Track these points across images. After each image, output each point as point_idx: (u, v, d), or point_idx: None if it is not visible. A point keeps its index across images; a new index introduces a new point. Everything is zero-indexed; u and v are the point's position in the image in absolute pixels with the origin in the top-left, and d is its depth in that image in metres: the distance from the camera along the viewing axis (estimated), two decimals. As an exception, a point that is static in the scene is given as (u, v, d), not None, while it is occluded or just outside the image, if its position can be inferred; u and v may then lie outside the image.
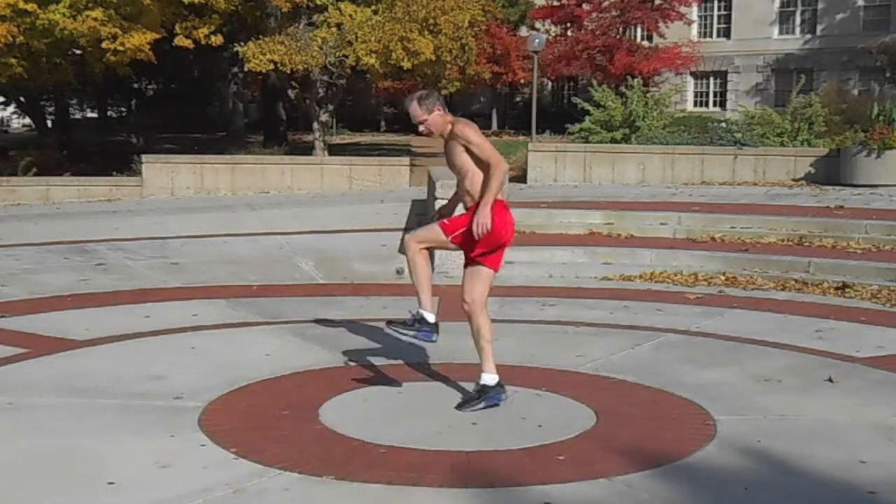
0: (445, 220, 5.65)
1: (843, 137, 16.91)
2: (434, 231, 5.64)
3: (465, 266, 5.73)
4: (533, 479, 4.54)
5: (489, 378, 5.64)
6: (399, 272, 10.24)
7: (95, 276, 10.05)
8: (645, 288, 10.02)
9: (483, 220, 5.34)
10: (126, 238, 11.92)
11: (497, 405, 5.61)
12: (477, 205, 5.44)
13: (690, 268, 10.70)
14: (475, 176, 5.47)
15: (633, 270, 10.69)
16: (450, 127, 5.50)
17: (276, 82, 30.01)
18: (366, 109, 46.31)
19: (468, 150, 5.42)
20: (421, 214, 11.14)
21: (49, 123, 32.86)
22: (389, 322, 5.73)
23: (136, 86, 39.67)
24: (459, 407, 5.61)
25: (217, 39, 23.15)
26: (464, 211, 5.64)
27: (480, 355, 5.66)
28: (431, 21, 21.88)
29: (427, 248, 5.66)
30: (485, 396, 5.61)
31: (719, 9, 43.52)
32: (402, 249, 5.70)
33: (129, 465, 4.70)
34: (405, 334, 5.59)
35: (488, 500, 4.32)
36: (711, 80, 43.98)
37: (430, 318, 5.58)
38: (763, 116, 19.74)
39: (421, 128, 5.55)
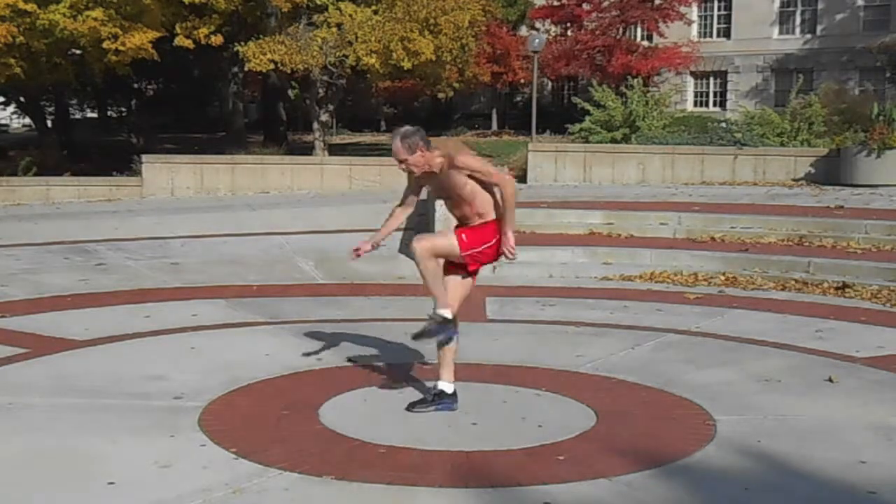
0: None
1: (843, 137, 16.91)
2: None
3: (450, 274, 5.67)
4: (533, 479, 4.54)
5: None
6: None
7: (95, 276, 10.05)
8: (645, 288, 10.02)
9: (514, 244, 5.50)
10: (126, 238, 11.91)
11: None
12: (486, 223, 5.48)
13: (690, 268, 10.70)
14: (482, 196, 5.46)
15: (633, 270, 10.69)
16: (440, 161, 5.41)
17: (276, 82, 30.04)
18: (366, 109, 46.31)
19: (472, 177, 5.41)
20: (421, 215, 11.15)
21: (49, 123, 32.84)
22: (410, 406, 5.65)
23: (136, 86, 39.64)
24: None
25: (217, 39, 23.16)
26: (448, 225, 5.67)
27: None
28: (432, 21, 21.88)
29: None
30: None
31: (719, 9, 43.48)
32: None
33: (129, 465, 4.70)
34: (425, 411, 5.58)
35: (488, 500, 4.32)
36: (711, 80, 43.94)
37: (449, 388, 5.62)
38: (763, 116, 19.74)
39: (401, 166, 5.45)
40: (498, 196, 5.49)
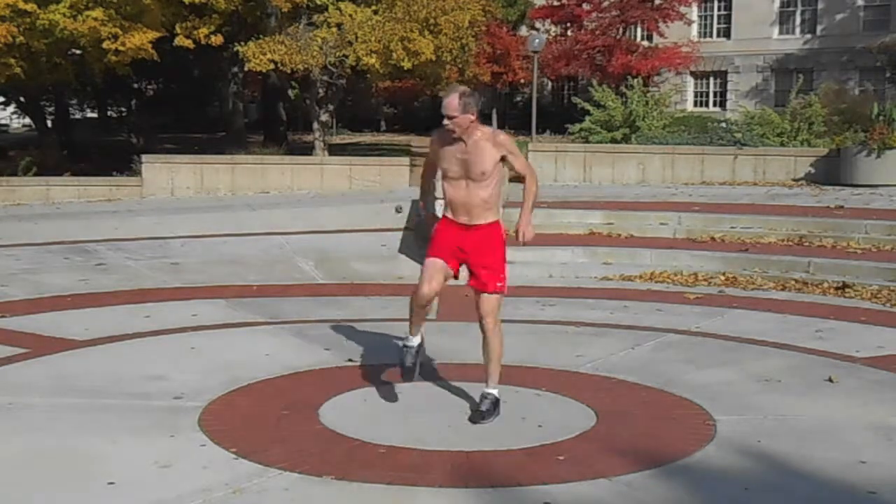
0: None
1: (843, 137, 16.91)
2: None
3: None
4: (533, 479, 4.54)
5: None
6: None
7: (95, 276, 10.05)
8: (645, 288, 10.02)
9: (531, 230, 5.48)
10: (126, 238, 11.91)
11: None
12: (490, 227, 5.49)
13: (690, 268, 10.70)
14: (496, 187, 5.47)
15: (633, 270, 10.69)
16: (479, 135, 5.41)
17: (276, 82, 30.02)
18: (366, 109, 46.28)
19: (503, 159, 5.45)
20: (419, 215, 11.18)
21: (49, 123, 32.83)
22: (403, 375, 5.65)
23: (136, 86, 39.60)
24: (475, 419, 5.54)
25: (217, 39, 23.13)
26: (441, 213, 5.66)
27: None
28: (432, 21, 21.86)
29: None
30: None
31: (719, 9, 43.48)
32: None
33: (129, 465, 4.70)
34: (413, 377, 5.63)
35: (488, 500, 4.32)
36: (711, 80, 43.95)
37: (416, 341, 5.63)
38: (763, 116, 19.75)
39: (446, 121, 5.41)
40: (501, 188, 5.52)
